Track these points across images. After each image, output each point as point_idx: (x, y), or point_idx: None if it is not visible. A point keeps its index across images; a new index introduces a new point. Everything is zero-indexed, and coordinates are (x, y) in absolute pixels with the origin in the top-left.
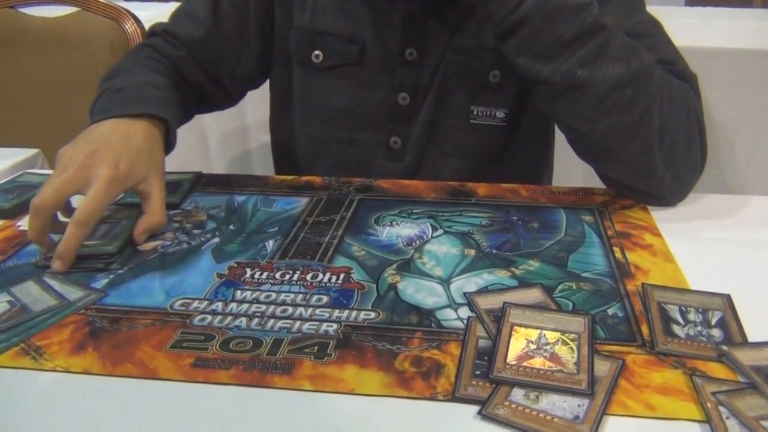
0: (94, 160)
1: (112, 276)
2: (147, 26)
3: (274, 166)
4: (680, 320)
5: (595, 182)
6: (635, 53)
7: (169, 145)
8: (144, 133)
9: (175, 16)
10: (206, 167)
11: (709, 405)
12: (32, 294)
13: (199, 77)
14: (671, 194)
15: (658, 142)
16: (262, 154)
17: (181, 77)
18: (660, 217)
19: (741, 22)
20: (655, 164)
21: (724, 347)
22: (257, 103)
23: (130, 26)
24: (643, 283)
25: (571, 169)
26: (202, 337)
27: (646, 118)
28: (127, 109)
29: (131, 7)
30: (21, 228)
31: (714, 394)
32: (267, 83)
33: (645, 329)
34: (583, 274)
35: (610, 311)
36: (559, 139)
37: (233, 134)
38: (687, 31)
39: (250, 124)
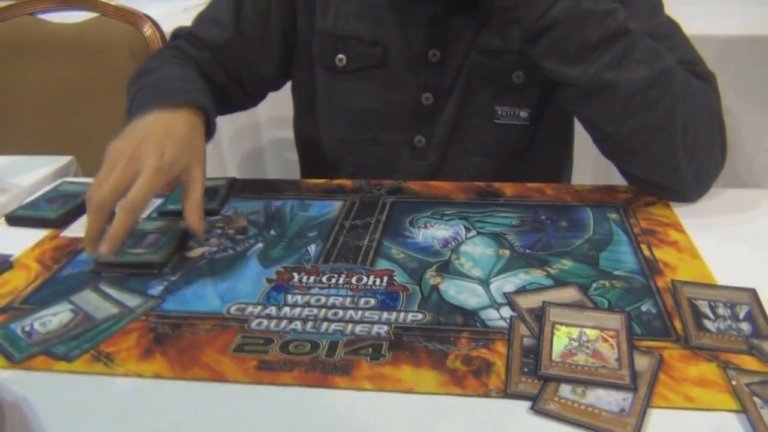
0: (140, 152)
1: (166, 283)
2: (163, 26)
3: (300, 164)
4: (710, 315)
5: (606, 177)
6: (659, 56)
7: (209, 133)
8: (185, 123)
9: (199, 20)
10: (219, 165)
11: (744, 396)
12: (92, 302)
13: (221, 79)
14: (693, 190)
15: (681, 141)
16: (275, 150)
17: (206, 77)
18: (682, 213)
19: (746, 8)
20: (678, 162)
21: (754, 340)
22: (269, 100)
23: (148, 30)
24: (673, 280)
25: (581, 164)
26: (262, 341)
27: (670, 118)
28: (166, 101)
29: (141, 5)
30: (70, 236)
31: (748, 385)
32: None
33: (678, 324)
34: (615, 272)
35: (643, 308)
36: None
37: (245, 131)
38: (692, 17)
39: (261, 121)
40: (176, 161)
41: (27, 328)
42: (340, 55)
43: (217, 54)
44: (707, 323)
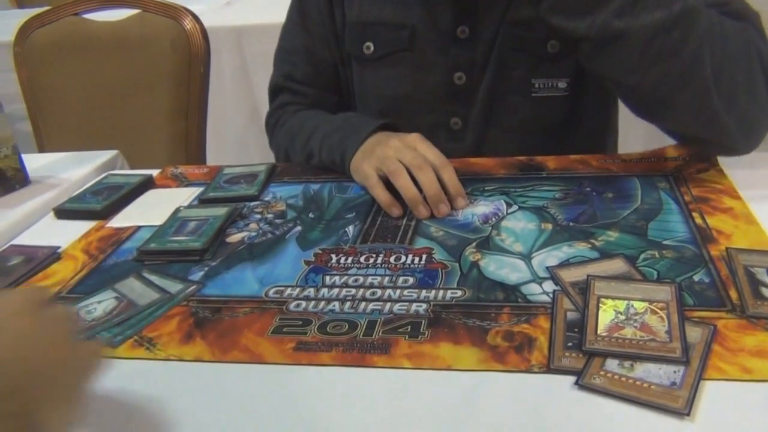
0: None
1: (206, 268)
2: (204, 21)
3: None
4: None
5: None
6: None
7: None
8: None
9: (281, 59)
10: (264, 155)
11: None
12: (135, 289)
13: (335, 97)
14: (739, 141)
15: (714, 86)
16: None
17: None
18: (738, 178)
19: None
20: (714, 109)
21: None
22: None
23: (189, 24)
24: (727, 248)
25: (631, 131)
26: (300, 322)
27: (697, 62)
28: (360, 134)
29: (183, 1)
30: (115, 227)
31: None
32: None
33: (733, 293)
34: (665, 242)
35: (696, 278)
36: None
37: None
38: None
39: None
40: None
41: None
42: (368, 43)
43: (317, 80)
44: (765, 291)
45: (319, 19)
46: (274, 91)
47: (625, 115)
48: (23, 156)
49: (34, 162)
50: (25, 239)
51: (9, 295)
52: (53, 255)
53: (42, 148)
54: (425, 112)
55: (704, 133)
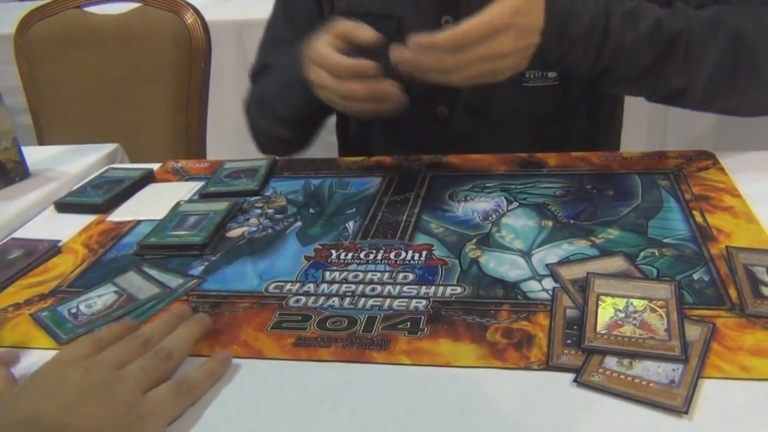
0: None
1: (206, 263)
2: (205, 15)
3: (338, 146)
4: None
5: (659, 143)
6: (719, 24)
7: None
8: None
9: (263, 48)
10: None
11: None
12: (135, 283)
13: None
14: None
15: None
16: (320, 134)
17: None
18: (738, 177)
19: None
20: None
21: None
22: None
23: (190, 18)
24: (727, 246)
25: (632, 132)
26: (300, 318)
27: (754, 73)
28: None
29: None
30: (115, 221)
31: None
32: None
33: (733, 292)
34: (665, 240)
35: (695, 276)
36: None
37: None
38: None
39: None
40: None
41: (73, 310)
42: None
43: None
44: (765, 290)
45: (306, 13)
46: (253, 77)
47: (626, 113)
48: (23, 149)
49: (35, 155)
50: (25, 232)
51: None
52: (53, 248)
53: (42, 141)
54: (410, 99)
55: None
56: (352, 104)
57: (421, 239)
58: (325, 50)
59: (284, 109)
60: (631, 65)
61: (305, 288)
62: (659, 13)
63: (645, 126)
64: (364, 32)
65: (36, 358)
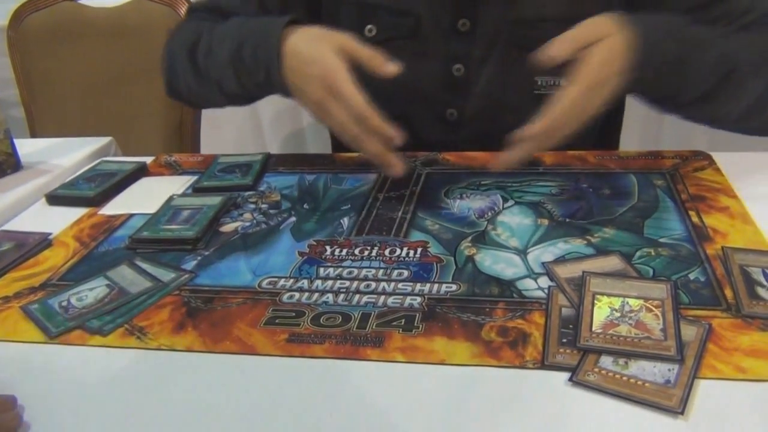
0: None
1: (199, 258)
2: None
3: (332, 142)
4: (764, 282)
5: (653, 143)
6: (751, 47)
7: None
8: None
9: None
10: (260, 146)
11: None
12: (127, 277)
13: None
14: None
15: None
16: (315, 131)
17: None
18: (735, 177)
19: None
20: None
21: None
22: None
23: (185, 11)
24: (723, 247)
25: (628, 129)
26: (293, 314)
27: (740, 94)
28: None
29: None
30: (107, 214)
31: None
32: None
33: (729, 293)
34: (661, 240)
35: (691, 276)
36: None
37: (286, 112)
38: None
39: None
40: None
41: (64, 303)
42: (370, 26)
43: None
44: (760, 291)
45: None
46: (192, 11)
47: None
48: (15, 141)
49: (27, 147)
50: (16, 225)
51: None
52: (44, 241)
53: (35, 135)
54: (420, 100)
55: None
56: (355, 146)
57: (416, 236)
58: (350, 90)
59: (230, 84)
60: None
61: (299, 284)
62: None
63: (640, 126)
64: (389, 67)
65: (26, 351)
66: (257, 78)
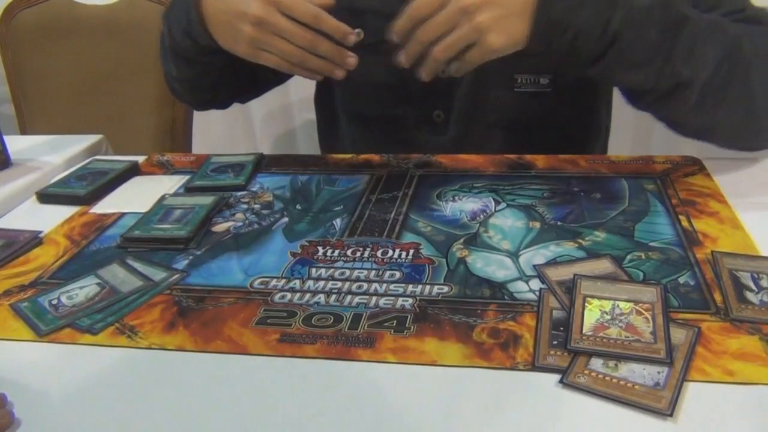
0: None
1: (191, 257)
2: None
3: (320, 144)
4: (753, 287)
5: (644, 149)
6: (719, 28)
7: None
8: None
9: None
10: (251, 146)
11: None
12: (118, 276)
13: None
14: None
15: (763, 103)
16: (306, 132)
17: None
18: (724, 183)
19: None
20: (760, 124)
21: None
22: (300, 80)
23: None
24: (713, 251)
25: (618, 136)
26: (285, 314)
27: (746, 88)
28: None
29: None
30: (99, 212)
31: None
32: None
33: (718, 296)
34: (651, 244)
35: (681, 280)
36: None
37: (277, 113)
38: None
39: (293, 102)
40: None
41: (54, 301)
42: (357, 30)
43: None
44: (749, 295)
45: None
46: None
47: (612, 118)
48: (5, 138)
49: (17, 144)
50: (6, 222)
51: None
52: (35, 239)
53: (25, 132)
54: (407, 103)
55: (744, 145)
56: (302, 62)
57: (409, 238)
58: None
59: (171, 44)
60: (639, 39)
61: (291, 284)
62: None
63: (631, 132)
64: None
65: (15, 349)
66: (182, 24)
